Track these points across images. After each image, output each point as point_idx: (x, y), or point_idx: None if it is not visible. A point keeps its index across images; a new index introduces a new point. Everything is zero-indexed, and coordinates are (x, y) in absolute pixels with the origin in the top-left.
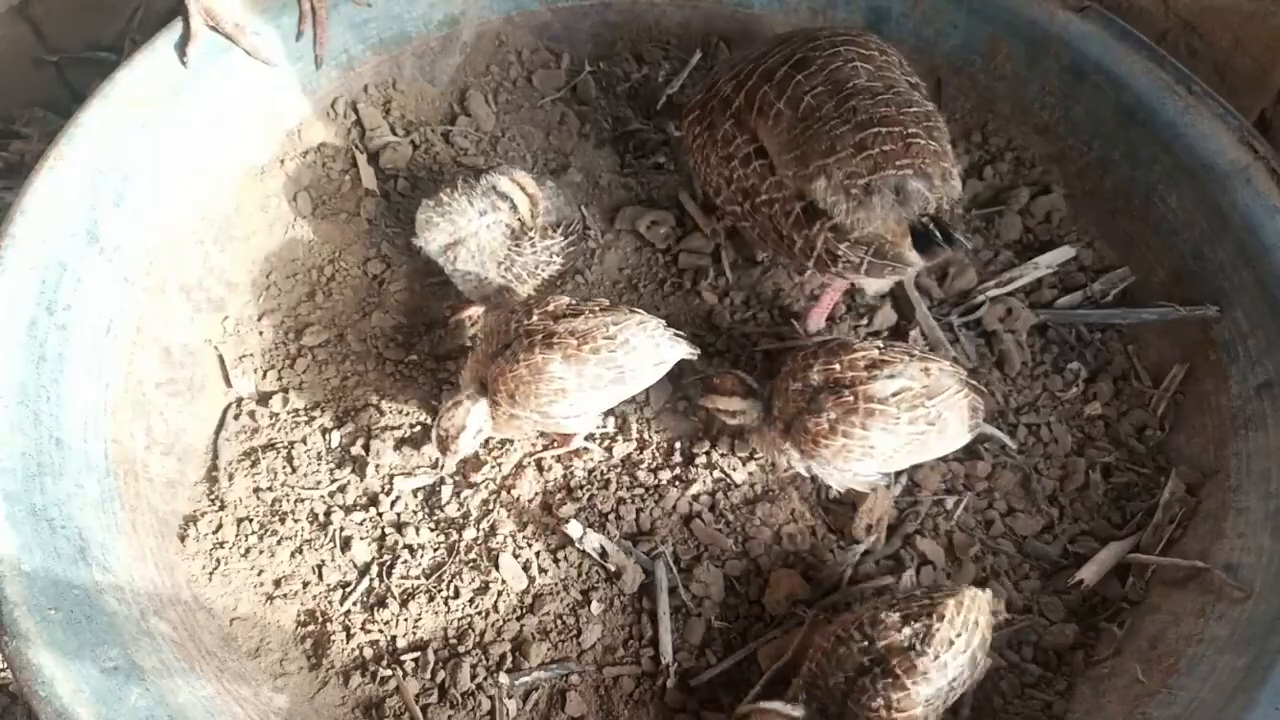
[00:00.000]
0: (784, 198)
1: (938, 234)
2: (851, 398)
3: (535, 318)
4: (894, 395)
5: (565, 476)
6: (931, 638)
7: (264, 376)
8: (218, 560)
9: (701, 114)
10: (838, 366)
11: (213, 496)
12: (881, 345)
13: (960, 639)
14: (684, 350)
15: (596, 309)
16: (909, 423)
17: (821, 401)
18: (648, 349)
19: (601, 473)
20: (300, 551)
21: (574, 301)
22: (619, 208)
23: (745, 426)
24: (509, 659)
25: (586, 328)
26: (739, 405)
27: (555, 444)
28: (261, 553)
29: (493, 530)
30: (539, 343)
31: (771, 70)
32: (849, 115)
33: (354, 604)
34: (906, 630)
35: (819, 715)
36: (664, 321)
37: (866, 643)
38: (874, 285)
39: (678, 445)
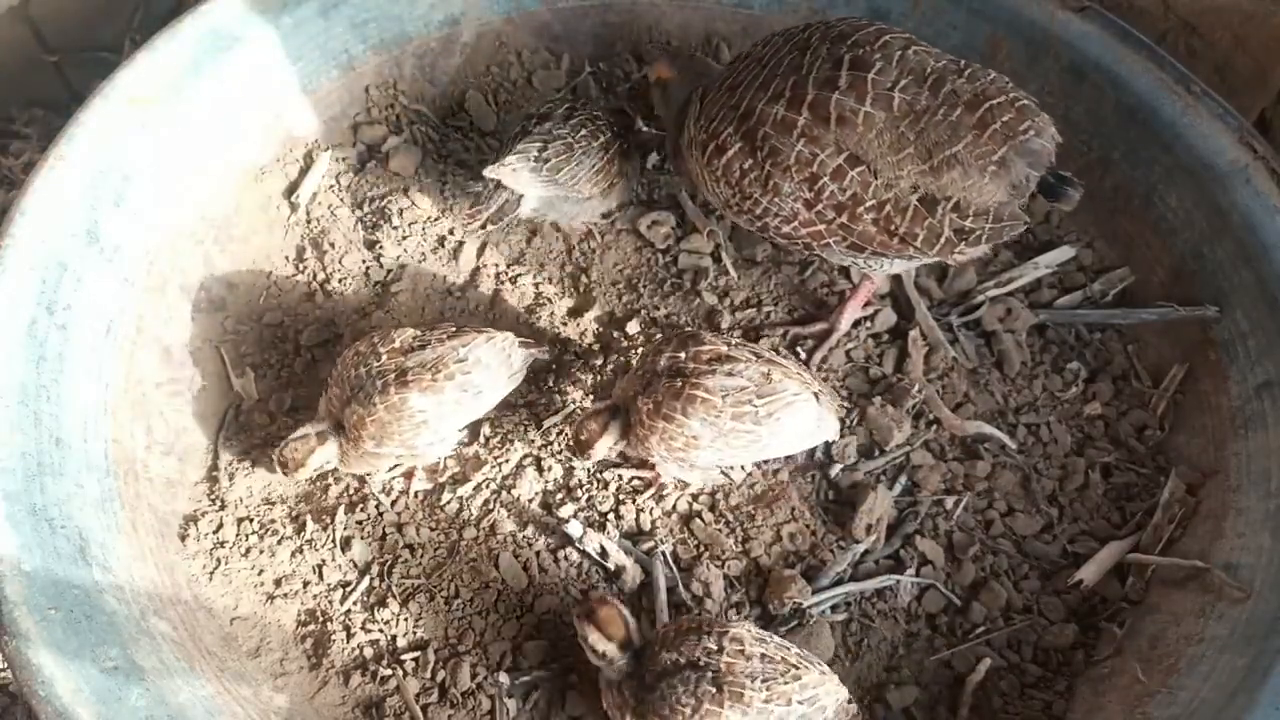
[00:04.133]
0: (896, 196)
1: (1061, 181)
2: (680, 384)
3: (385, 358)
4: (722, 393)
5: (565, 477)
6: (774, 684)
7: (264, 376)
8: (218, 560)
9: (749, 145)
10: (682, 355)
11: (213, 496)
12: (732, 342)
13: (800, 705)
14: (533, 353)
15: (443, 336)
16: (733, 418)
17: (655, 385)
18: (499, 363)
19: (601, 472)
20: (300, 551)
21: (419, 332)
22: (619, 207)
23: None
24: (509, 659)
25: (436, 356)
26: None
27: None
28: (262, 552)
29: (493, 530)
30: (393, 382)
31: (830, 79)
32: (952, 99)
33: (354, 604)
34: (756, 664)
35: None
36: (511, 333)
37: (715, 648)
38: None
39: None
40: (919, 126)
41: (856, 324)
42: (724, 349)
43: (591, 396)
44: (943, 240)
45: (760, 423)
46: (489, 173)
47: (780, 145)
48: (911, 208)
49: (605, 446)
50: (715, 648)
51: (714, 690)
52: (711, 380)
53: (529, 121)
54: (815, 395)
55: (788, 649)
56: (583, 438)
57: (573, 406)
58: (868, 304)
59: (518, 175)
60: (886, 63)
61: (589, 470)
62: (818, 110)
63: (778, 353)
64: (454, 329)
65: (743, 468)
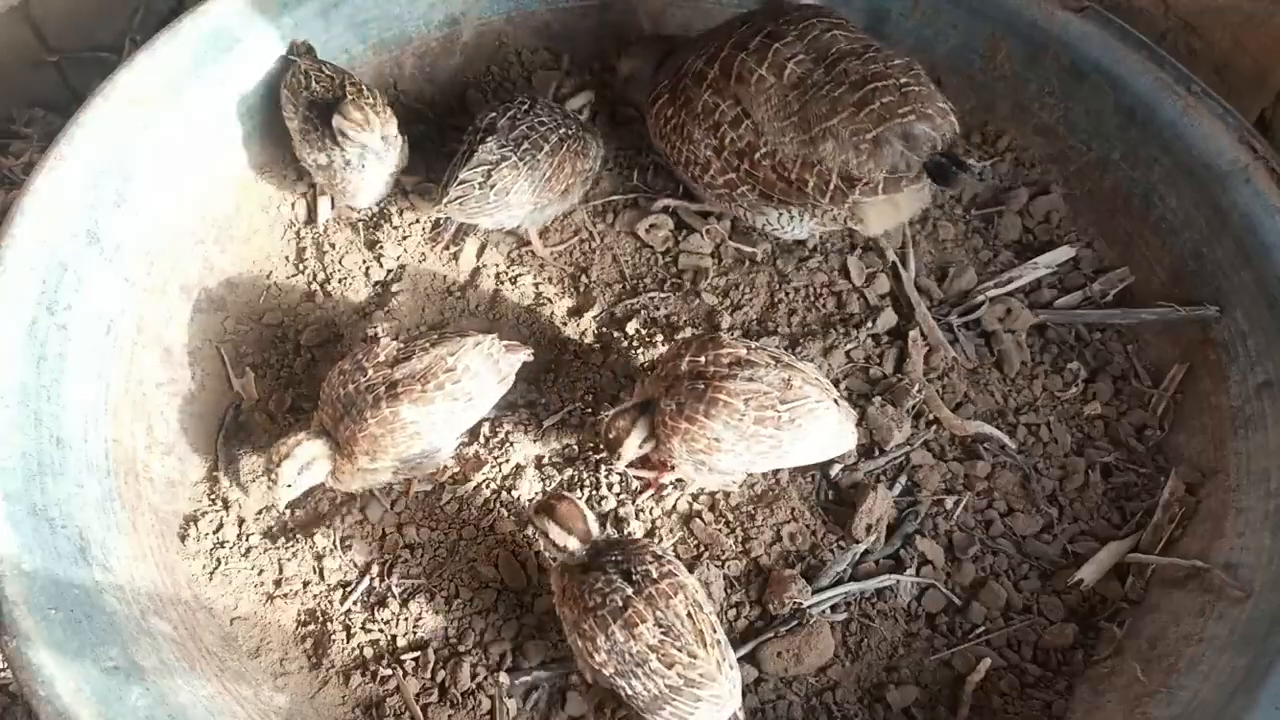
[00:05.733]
0: (782, 148)
1: (952, 166)
2: (703, 387)
3: (371, 372)
4: (744, 396)
5: (565, 477)
6: (669, 645)
7: (264, 376)
8: (218, 560)
9: (673, 95)
10: (703, 359)
11: (213, 496)
12: (751, 345)
13: (678, 680)
14: (520, 357)
15: (428, 344)
16: (755, 422)
17: (677, 387)
18: (488, 369)
19: (600, 472)
20: (301, 551)
21: (402, 344)
22: (617, 210)
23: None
24: (509, 658)
25: (424, 367)
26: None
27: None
28: (262, 552)
29: (492, 530)
30: (384, 395)
31: (744, 41)
32: (841, 78)
33: (354, 603)
34: (665, 615)
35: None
36: (495, 335)
37: (655, 575)
38: (877, 225)
39: None
40: (804, 98)
41: (857, 325)
42: (743, 352)
43: (592, 395)
44: (832, 187)
45: (782, 428)
46: (436, 212)
47: (693, 95)
48: (800, 157)
49: (634, 445)
50: (655, 575)
51: (619, 603)
52: (733, 384)
53: (474, 137)
54: (835, 403)
55: (710, 632)
56: (611, 436)
57: (571, 407)
58: None
59: (464, 208)
60: (798, 38)
61: (588, 470)
62: (725, 66)
63: (793, 353)
64: (436, 336)
65: None
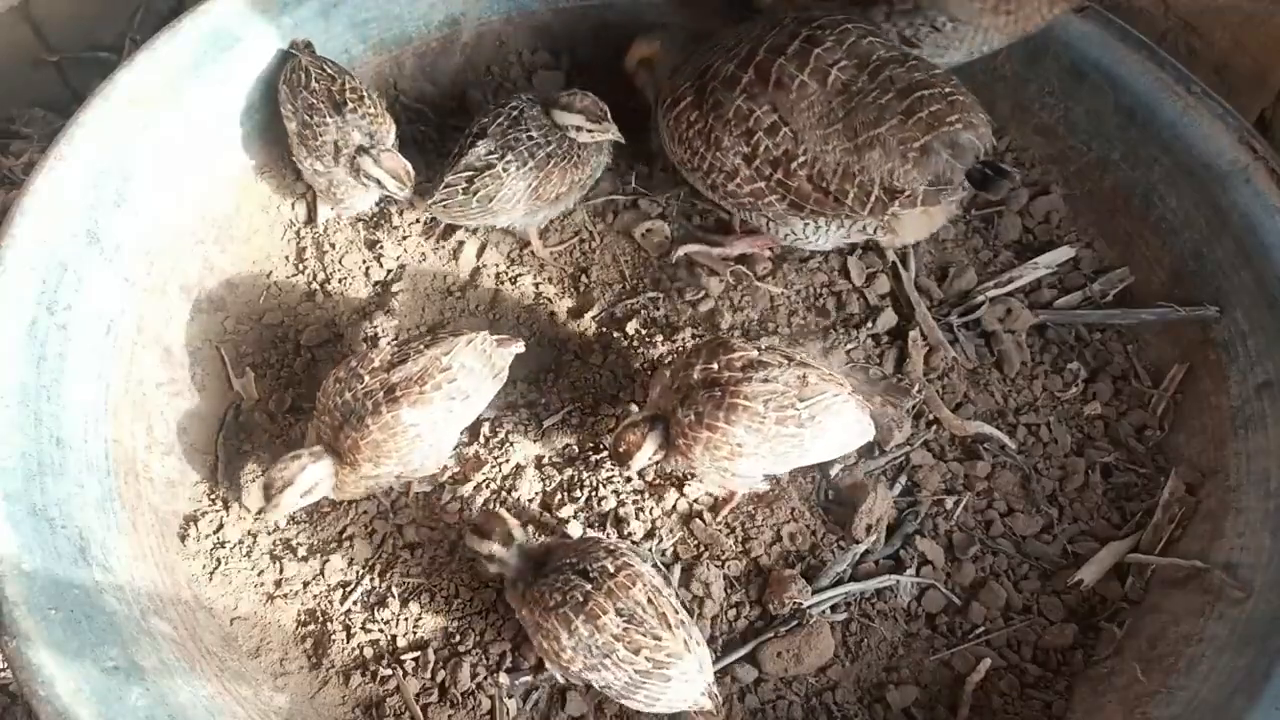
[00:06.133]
0: (825, 156)
1: (993, 173)
2: (720, 394)
3: (368, 378)
4: (763, 398)
5: (571, 479)
6: (632, 632)
7: (264, 376)
8: (218, 560)
9: (698, 99)
10: (715, 366)
11: (213, 496)
12: (762, 348)
13: (646, 664)
14: (513, 350)
15: (422, 345)
16: (776, 422)
17: (693, 397)
18: (482, 365)
19: (599, 472)
20: (300, 551)
21: (397, 348)
22: (617, 211)
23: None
24: (509, 658)
25: (420, 368)
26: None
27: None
28: (263, 552)
29: None
30: (383, 400)
31: (781, 46)
32: (887, 85)
33: (354, 603)
34: (630, 604)
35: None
36: (487, 331)
37: (611, 569)
38: (911, 235)
39: None
40: (850, 105)
41: (857, 325)
42: (754, 354)
43: (592, 395)
44: (873, 199)
45: (804, 425)
46: (423, 213)
47: (723, 99)
48: (842, 167)
49: (645, 456)
50: (611, 569)
51: (580, 599)
52: (749, 387)
53: (466, 142)
54: (850, 395)
55: (672, 614)
56: (621, 449)
57: (571, 407)
58: (768, 249)
59: (449, 210)
60: (837, 44)
61: (588, 470)
62: (761, 70)
63: (799, 345)
64: (430, 338)
65: None
